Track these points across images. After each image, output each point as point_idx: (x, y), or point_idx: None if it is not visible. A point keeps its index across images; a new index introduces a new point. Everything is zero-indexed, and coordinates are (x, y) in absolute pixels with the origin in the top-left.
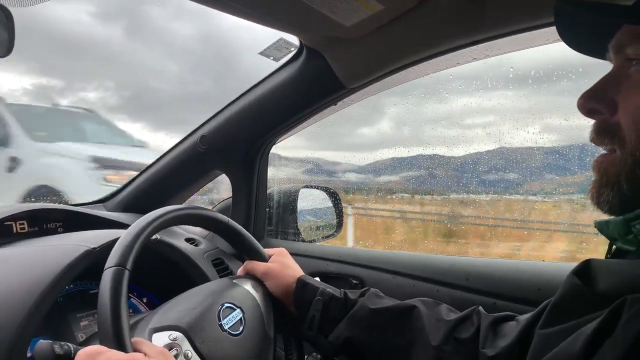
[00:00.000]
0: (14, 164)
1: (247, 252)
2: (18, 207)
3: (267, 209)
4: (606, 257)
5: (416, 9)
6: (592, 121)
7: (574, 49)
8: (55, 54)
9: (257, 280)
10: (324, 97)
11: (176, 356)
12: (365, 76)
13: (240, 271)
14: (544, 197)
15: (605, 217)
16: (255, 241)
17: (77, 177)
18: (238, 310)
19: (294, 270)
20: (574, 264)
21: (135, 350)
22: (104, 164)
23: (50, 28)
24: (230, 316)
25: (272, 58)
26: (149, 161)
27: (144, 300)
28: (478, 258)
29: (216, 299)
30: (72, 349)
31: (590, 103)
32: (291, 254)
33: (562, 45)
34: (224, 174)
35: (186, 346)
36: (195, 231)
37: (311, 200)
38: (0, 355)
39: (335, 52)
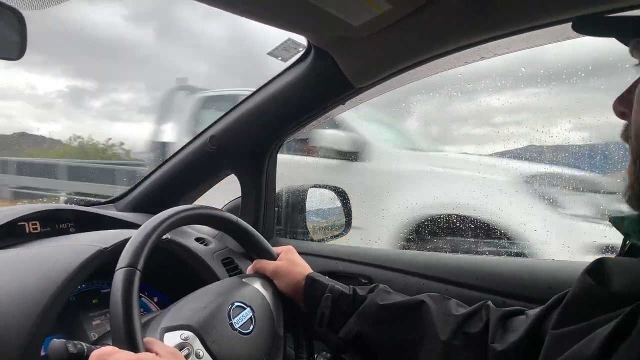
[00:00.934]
0: None
1: (255, 251)
2: (31, 207)
3: (276, 209)
4: (620, 253)
5: (424, 8)
6: None
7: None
8: (89, 57)
9: (267, 278)
10: (333, 96)
11: (187, 356)
12: (374, 75)
13: (249, 270)
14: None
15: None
16: (264, 240)
17: None
18: (248, 309)
19: (303, 267)
20: (586, 263)
21: (147, 350)
22: None
23: (84, 31)
24: (240, 315)
25: (280, 58)
26: None
27: (155, 299)
28: (488, 257)
29: (226, 298)
30: (85, 348)
31: (619, 106)
32: (300, 253)
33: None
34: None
35: (197, 345)
36: (205, 231)
37: (320, 200)
38: (14, 354)
39: (344, 52)
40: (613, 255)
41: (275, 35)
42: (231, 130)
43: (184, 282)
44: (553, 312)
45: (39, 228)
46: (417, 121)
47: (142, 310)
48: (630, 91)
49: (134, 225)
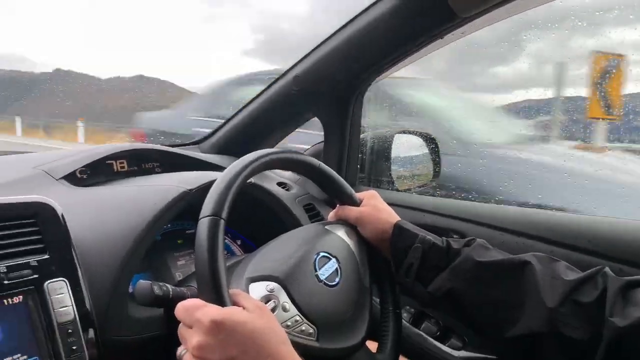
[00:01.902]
0: None
1: (338, 196)
2: (118, 146)
3: (360, 155)
4: None
5: None
6: None
7: None
8: None
9: (350, 226)
10: (431, 29)
11: (273, 309)
12: (481, 3)
13: (331, 217)
14: None
15: None
16: (347, 184)
17: None
18: (333, 259)
19: (389, 214)
20: None
21: (234, 303)
22: None
23: None
24: (326, 266)
25: None
26: None
27: (238, 242)
28: (604, 217)
29: (311, 247)
30: (170, 290)
31: None
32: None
33: None
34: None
35: (283, 298)
36: (286, 175)
37: (407, 147)
38: (105, 290)
39: None
40: None
41: None
42: (316, 70)
43: (266, 227)
44: None
45: (126, 167)
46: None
47: (226, 253)
48: None
49: (218, 167)
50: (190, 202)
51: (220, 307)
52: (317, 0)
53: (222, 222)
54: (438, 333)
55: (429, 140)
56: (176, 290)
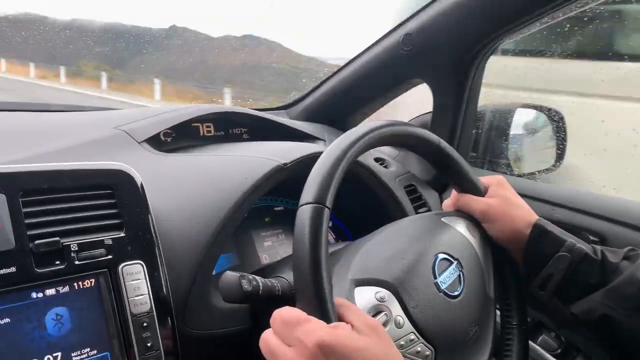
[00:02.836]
0: None
1: (457, 182)
2: (206, 107)
3: (475, 131)
4: None
5: None
6: None
7: None
8: None
9: (473, 220)
10: None
11: (384, 323)
12: None
13: (448, 205)
14: None
15: None
16: (471, 169)
17: None
18: (455, 263)
19: (525, 210)
20: None
21: (340, 316)
22: None
23: None
24: (447, 272)
25: None
26: None
27: (330, 224)
28: None
29: (427, 245)
30: (260, 285)
31: None
32: None
33: None
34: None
35: (396, 310)
36: (383, 150)
37: (528, 124)
38: (187, 274)
39: None
40: None
41: None
42: (432, 27)
43: (362, 207)
44: None
45: (212, 131)
46: None
47: None
48: None
49: (309, 137)
50: (282, 177)
51: (325, 324)
52: None
53: (326, 211)
54: (559, 350)
55: (555, 116)
56: (266, 284)
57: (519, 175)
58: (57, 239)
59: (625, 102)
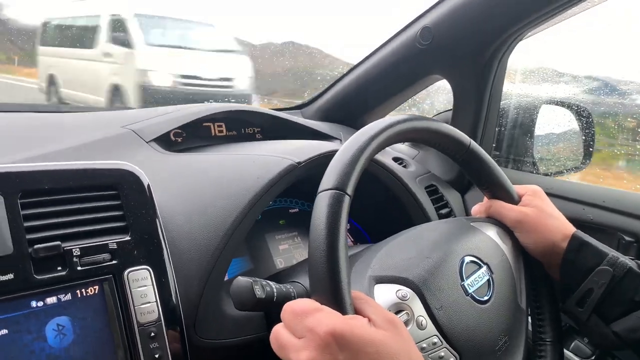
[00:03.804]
0: None
1: (490, 188)
2: (217, 106)
3: (497, 129)
4: None
5: None
6: None
7: None
8: None
9: (504, 227)
10: None
11: (406, 322)
12: None
13: (478, 211)
14: None
15: None
16: (504, 175)
17: None
18: (484, 267)
19: (561, 222)
20: None
21: (357, 310)
22: None
23: None
24: (475, 275)
25: None
26: None
27: (347, 226)
28: None
29: (454, 247)
30: (274, 291)
31: None
32: None
33: None
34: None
35: (418, 310)
36: (401, 149)
37: (554, 121)
38: (197, 280)
39: None
40: None
41: None
42: (452, 20)
43: (380, 210)
44: None
45: (224, 131)
46: None
47: None
48: None
49: (325, 136)
50: (297, 177)
51: (339, 313)
52: None
53: (347, 198)
54: (593, 357)
55: (582, 113)
56: (281, 290)
57: (546, 174)
58: (58, 243)
59: None
